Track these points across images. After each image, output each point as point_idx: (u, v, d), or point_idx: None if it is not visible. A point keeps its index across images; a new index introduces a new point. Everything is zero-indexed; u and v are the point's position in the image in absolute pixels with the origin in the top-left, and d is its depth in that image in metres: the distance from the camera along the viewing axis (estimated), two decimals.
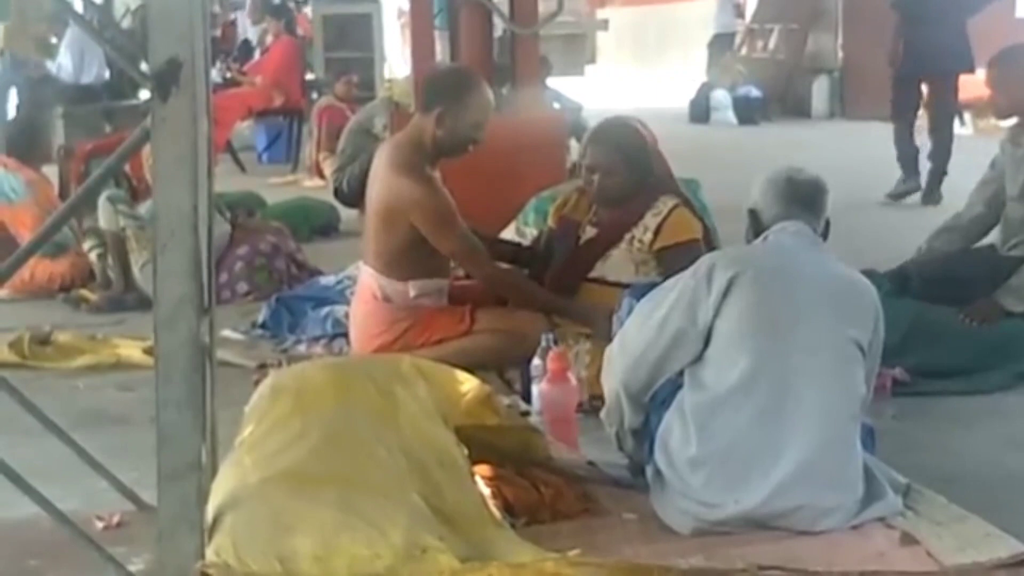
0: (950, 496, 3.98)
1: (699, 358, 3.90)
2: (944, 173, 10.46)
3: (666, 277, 5.09)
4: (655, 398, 4.05)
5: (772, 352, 3.79)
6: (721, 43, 19.64)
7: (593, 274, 5.45)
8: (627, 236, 5.40)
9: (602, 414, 4.29)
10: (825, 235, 4.13)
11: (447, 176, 5.62)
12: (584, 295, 5.44)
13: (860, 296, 3.98)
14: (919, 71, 10.71)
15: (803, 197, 4.11)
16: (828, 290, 3.92)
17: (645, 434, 4.07)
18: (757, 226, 4.14)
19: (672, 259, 5.23)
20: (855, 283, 4.03)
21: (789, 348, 3.80)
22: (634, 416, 4.10)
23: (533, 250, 5.85)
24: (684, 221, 5.41)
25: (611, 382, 4.15)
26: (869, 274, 4.67)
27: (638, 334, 4.02)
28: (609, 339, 4.46)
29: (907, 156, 10.72)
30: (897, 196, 10.62)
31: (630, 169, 5.40)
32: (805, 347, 3.80)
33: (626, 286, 5.27)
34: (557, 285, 5.49)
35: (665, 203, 5.40)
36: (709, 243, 5.48)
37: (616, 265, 5.41)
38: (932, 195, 10.44)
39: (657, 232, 5.37)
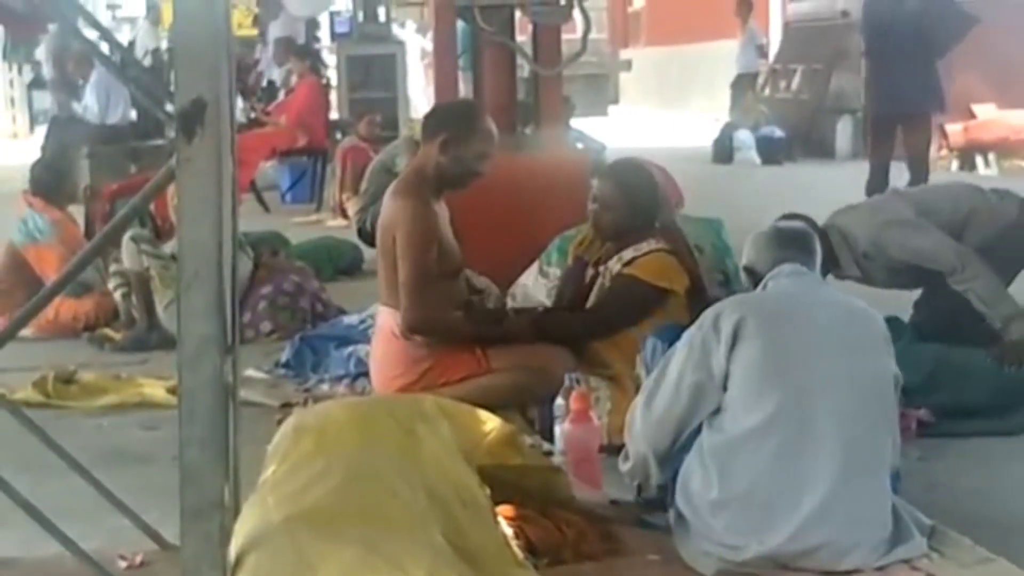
0: (975, 538, 3.96)
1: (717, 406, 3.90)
2: None
3: (600, 305, 5.28)
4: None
5: (788, 392, 3.79)
6: (744, 83, 19.64)
7: None
8: (601, 268, 5.43)
9: (622, 467, 4.25)
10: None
11: (469, 216, 5.62)
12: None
13: (867, 325, 3.98)
14: (892, 112, 10.87)
15: (793, 240, 4.16)
16: (835, 323, 3.93)
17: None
18: (755, 281, 4.16)
19: (618, 287, 5.30)
20: (860, 312, 4.03)
21: (804, 386, 3.79)
22: (661, 475, 4.07)
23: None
24: (660, 265, 5.36)
25: (638, 446, 4.10)
26: (892, 321, 4.68)
27: (656, 396, 4.00)
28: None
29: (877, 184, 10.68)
30: None
31: (628, 208, 5.42)
32: (820, 383, 3.80)
33: None
34: (565, 329, 5.51)
35: (650, 244, 5.40)
36: (697, 295, 5.38)
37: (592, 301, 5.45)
38: None
39: (627, 264, 5.37)
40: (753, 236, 4.23)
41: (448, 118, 5.47)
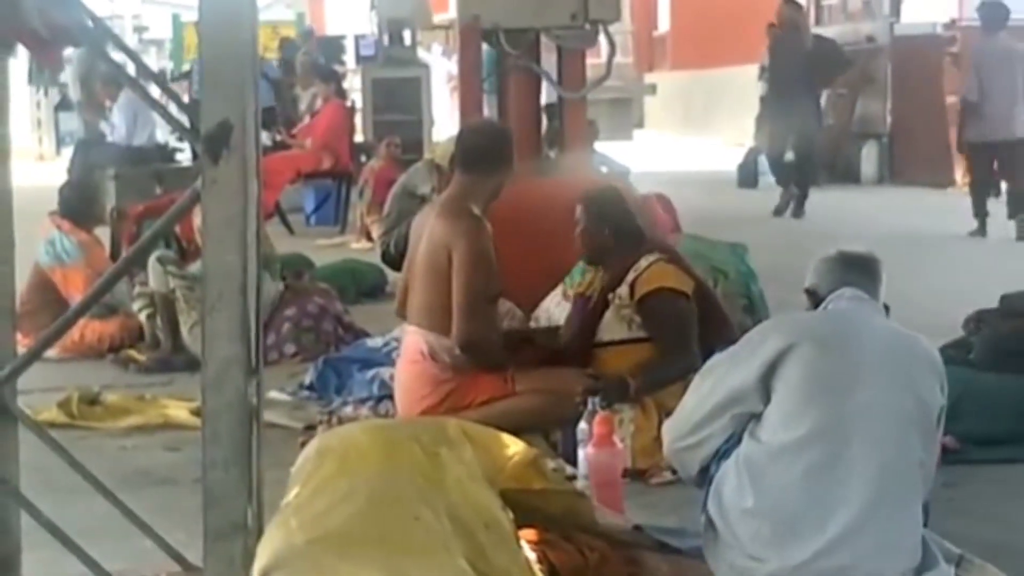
0: (1002, 566, 3.94)
1: (758, 417, 3.89)
2: (806, 197, 14.48)
3: (646, 325, 5.37)
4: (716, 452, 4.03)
5: (827, 413, 3.79)
6: None
7: (596, 338, 5.54)
8: (610, 296, 5.46)
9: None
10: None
11: (494, 240, 5.64)
12: (595, 361, 5.52)
13: (918, 356, 3.96)
14: (787, 130, 14.70)
15: (857, 265, 4.14)
16: (887, 354, 3.90)
17: (705, 482, 4.04)
18: (815, 303, 4.15)
19: (651, 307, 5.38)
20: (916, 346, 4.00)
21: (844, 410, 3.79)
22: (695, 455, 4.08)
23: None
24: (663, 272, 5.47)
25: (673, 432, 4.15)
26: None
27: (696, 392, 4.06)
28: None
29: (781, 176, 14.99)
30: (778, 211, 14.56)
31: (602, 227, 5.58)
32: (860, 409, 3.79)
33: (620, 343, 5.42)
34: (569, 354, 5.55)
35: (647, 259, 5.49)
36: (704, 299, 5.54)
37: (609, 325, 5.52)
38: (799, 211, 14.37)
39: (633, 285, 5.42)
40: (817, 260, 4.23)
41: (497, 146, 5.64)
